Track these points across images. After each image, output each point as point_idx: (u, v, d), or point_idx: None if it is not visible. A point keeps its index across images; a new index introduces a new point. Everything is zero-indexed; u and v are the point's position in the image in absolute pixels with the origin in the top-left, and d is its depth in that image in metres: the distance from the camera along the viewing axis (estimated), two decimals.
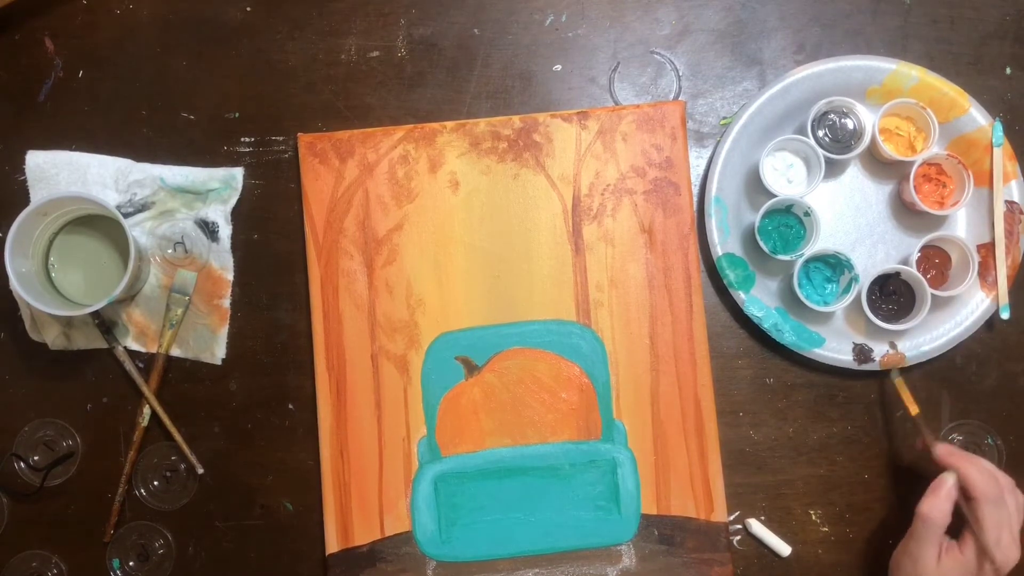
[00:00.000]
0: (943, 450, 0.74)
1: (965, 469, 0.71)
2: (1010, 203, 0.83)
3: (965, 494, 0.71)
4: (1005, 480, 0.73)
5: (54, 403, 0.82)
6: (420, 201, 0.83)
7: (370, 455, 0.81)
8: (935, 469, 0.74)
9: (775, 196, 0.81)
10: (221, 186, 0.83)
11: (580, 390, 0.82)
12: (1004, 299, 0.82)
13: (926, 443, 0.76)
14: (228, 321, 0.83)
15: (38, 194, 0.83)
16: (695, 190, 0.84)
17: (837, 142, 0.83)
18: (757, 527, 0.82)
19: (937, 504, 0.71)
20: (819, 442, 0.83)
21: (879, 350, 0.82)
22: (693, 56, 0.86)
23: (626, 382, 0.82)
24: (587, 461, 0.81)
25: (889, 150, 0.82)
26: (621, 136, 0.84)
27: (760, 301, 0.82)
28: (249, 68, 0.85)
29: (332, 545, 0.81)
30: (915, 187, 0.81)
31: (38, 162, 0.83)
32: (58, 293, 0.81)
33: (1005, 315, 0.83)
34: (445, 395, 0.82)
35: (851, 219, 0.84)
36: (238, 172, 0.84)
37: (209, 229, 0.83)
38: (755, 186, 0.83)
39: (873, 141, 0.82)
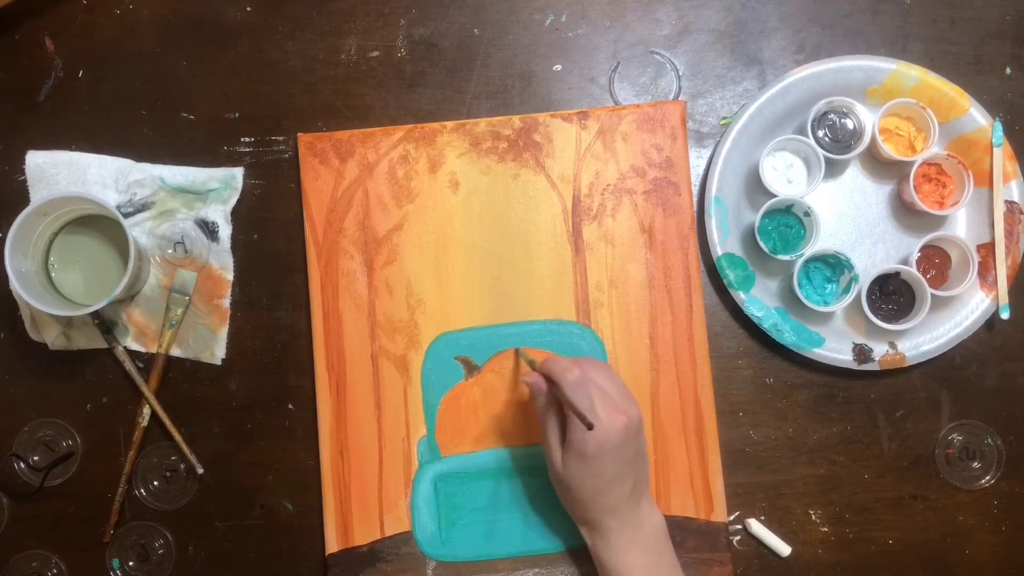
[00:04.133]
0: (536, 366, 0.76)
1: (547, 368, 0.74)
2: (1010, 203, 0.83)
3: (561, 393, 0.72)
4: (604, 364, 0.77)
5: (54, 403, 0.82)
6: (420, 201, 0.83)
7: (370, 455, 0.81)
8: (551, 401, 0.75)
9: (775, 196, 0.81)
10: (221, 186, 0.83)
11: None
12: (1004, 299, 0.82)
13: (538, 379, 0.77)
14: (228, 321, 0.83)
15: (38, 194, 0.83)
16: (695, 190, 0.84)
17: (837, 142, 0.83)
18: (757, 527, 0.82)
19: (536, 403, 0.75)
20: (819, 442, 0.83)
21: (879, 350, 0.82)
22: (693, 56, 0.86)
23: (626, 382, 0.82)
24: None
25: (889, 150, 0.82)
26: (621, 136, 0.84)
27: (760, 301, 0.82)
28: (249, 68, 0.85)
29: (332, 545, 0.81)
30: (915, 187, 0.81)
31: (38, 162, 0.83)
32: (58, 293, 0.81)
33: (1005, 315, 0.83)
34: (445, 395, 0.82)
35: (851, 219, 0.84)
36: (238, 172, 0.84)
37: (209, 229, 0.83)
38: (755, 186, 0.83)
39: (873, 141, 0.82)
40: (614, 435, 0.70)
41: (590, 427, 0.69)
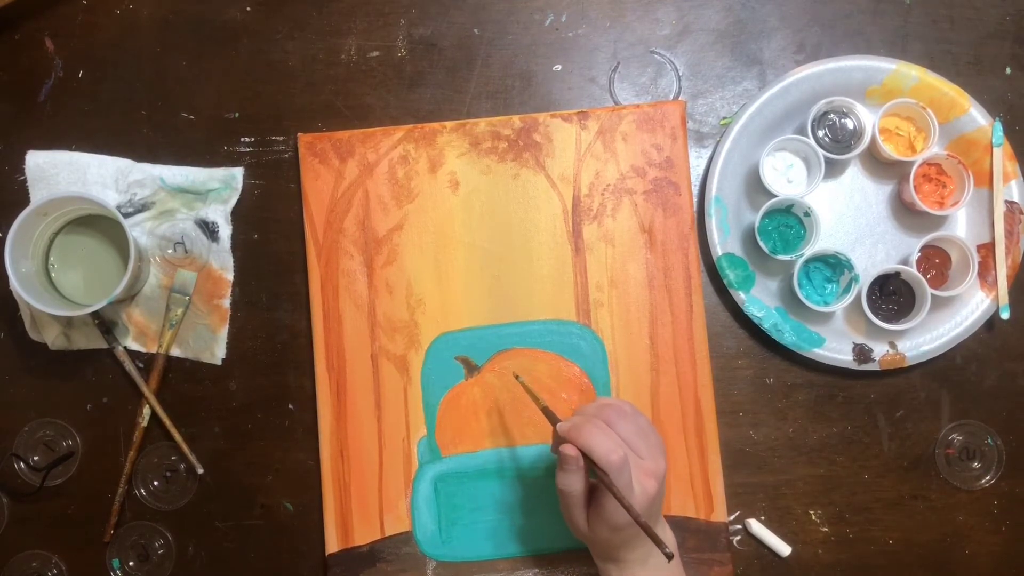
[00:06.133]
0: (563, 427, 0.71)
1: (585, 442, 0.69)
2: (1010, 203, 0.83)
3: (599, 471, 0.69)
4: (628, 407, 0.72)
5: (54, 403, 0.82)
6: (420, 201, 0.83)
7: (370, 455, 0.81)
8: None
9: (775, 196, 0.81)
10: (221, 186, 0.83)
11: (580, 390, 0.82)
12: (1004, 299, 0.82)
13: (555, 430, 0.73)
14: (228, 321, 0.83)
15: (38, 194, 0.83)
16: (695, 190, 0.84)
17: (837, 142, 0.83)
18: (757, 527, 0.82)
19: (571, 481, 0.70)
20: (819, 442, 0.83)
21: (879, 350, 0.82)
22: (693, 56, 0.86)
23: (626, 382, 0.82)
24: None
25: (889, 150, 0.82)
26: (621, 136, 0.84)
27: (760, 301, 0.82)
28: (249, 68, 0.85)
29: (332, 545, 0.81)
30: (915, 187, 0.81)
31: (38, 162, 0.83)
32: (58, 293, 0.81)
33: (1005, 315, 0.83)
34: (445, 395, 0.82)
35: (851, 219, 0.84)
36: (238, 172, 0.84)
37: (209, 229, 0.83)
38: (755, 186, 0.83)
39: (873, 141, 0.82)
40: (646, 501, 0.69)
41: (670, 557, 0.66)
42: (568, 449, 0.69)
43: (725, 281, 0.82)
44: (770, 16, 0.86)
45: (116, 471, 0.82)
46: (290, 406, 0.83)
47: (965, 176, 0.81)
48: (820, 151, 0.81)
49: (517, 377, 0.77)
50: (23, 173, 0.83)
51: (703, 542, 0.81)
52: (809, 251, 0.81)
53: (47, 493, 0.82)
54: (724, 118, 0.85)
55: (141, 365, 0.83)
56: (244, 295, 0.84)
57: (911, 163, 0.81)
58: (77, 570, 0.82)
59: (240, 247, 0.84)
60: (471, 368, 0.82)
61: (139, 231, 0.83)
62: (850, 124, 0.83)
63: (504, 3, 0.86)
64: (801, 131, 0.82)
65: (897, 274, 0.82)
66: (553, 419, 0.73)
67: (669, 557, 0.66)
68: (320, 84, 0.85)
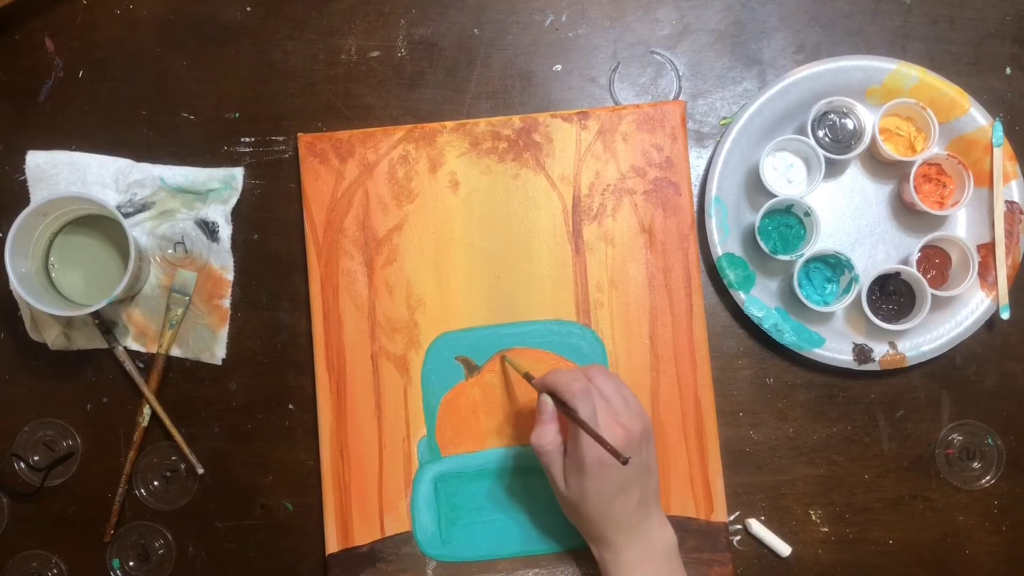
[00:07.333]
0: (537, 380, 0.75)
1: (551, 381, 0.73)
2: (1010, 203, 0.83)
3: (564, 407, 0.71)
4: (594, 370, 0.74)
5: (54, 403, 0.82)
6: (420, 201, 0.83)
7: (370, 455, 0.81)
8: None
9: (775, 196, 0.81)
10: (221, 186, 0.83)
11: None
12: (1004, 299, 0.82)
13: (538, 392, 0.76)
14: (228, 321, 0.83)
15: (38, 194, 0.83)
16: (695, 190, 0.84)
17: (837, 142, 0.83)
18: (757, 527, 0.82)
19: (544, 432, 0.73)
20: (819, 442, 0.83)
21: (879, 350, 0.82)
22: (693, 56, 0.86)
23: (626, 382, 0.82)
24: None
25: (889, 150, 0.82)
26: (621, 136, 0.84)
27: (760, 301, 0.82)
28: (249, 68, 0.85)
29: (332, 545, 0.81)
30: (915, 187, 0.81)
31: (38, 162, 0.83)
32: (58, 293, 0.81)
33: (1005, 315, 0.83)
34: (445, 395, 0.82)
35: (851, 219, 0.84)
36: (238, 172, 0.84)
37: (209, 229, 0.83)
38: (755, 186, 0.83)
39: (873, 141, 0.82)
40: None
41: (625, 462, 0.66)
42: (541, 398, 0.73)
43: (725, 281, 0.82)
44: (770, 16, 0.86)
45: (116, 471, 0.82)
46: (290, 406, 0.83)
47: (965, 176, 0.81)
48: (820, 151, 0.81)
49: (504, 357, 0.80)
50: (23, 173, 0.83)
51: (703, 542, 0.81)
52: (809, 251, 0.81)
53: (47, 493, 0.82)
54: (724, 118, 0.85)
55: (141, 365, 0.83)
56: (244, 295, 0.84)
57: (911, 163, 0.81)
58: (77, 570, 0.82)
59: (240, 247, 0.84)
60: (471, 368, 0.82)
61: (139, 231, 0.83)
62: (850, 124, 0.83)
63: (504, 3, 0.86)
64: (801, 131, 0.82)
65: (897, 274, 0.82)
66: (531, 379, 0.76)
67: (624, 462, 0.66)
68: (320, 84, 0.85)
